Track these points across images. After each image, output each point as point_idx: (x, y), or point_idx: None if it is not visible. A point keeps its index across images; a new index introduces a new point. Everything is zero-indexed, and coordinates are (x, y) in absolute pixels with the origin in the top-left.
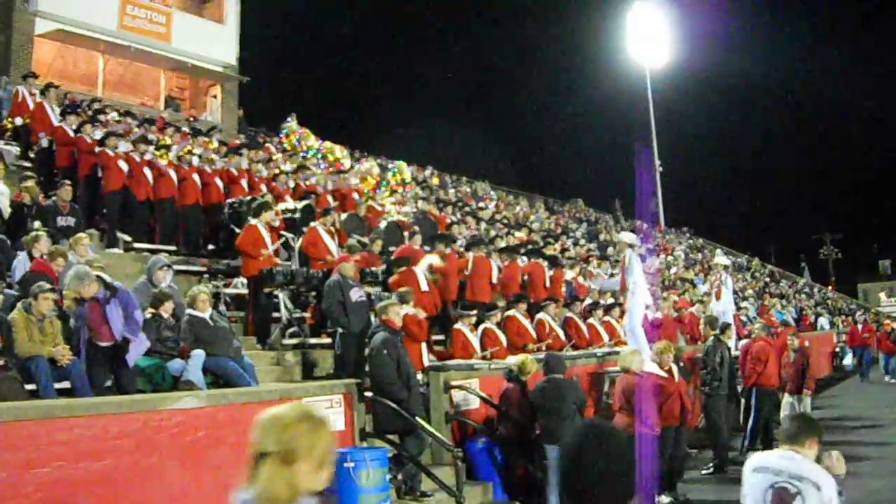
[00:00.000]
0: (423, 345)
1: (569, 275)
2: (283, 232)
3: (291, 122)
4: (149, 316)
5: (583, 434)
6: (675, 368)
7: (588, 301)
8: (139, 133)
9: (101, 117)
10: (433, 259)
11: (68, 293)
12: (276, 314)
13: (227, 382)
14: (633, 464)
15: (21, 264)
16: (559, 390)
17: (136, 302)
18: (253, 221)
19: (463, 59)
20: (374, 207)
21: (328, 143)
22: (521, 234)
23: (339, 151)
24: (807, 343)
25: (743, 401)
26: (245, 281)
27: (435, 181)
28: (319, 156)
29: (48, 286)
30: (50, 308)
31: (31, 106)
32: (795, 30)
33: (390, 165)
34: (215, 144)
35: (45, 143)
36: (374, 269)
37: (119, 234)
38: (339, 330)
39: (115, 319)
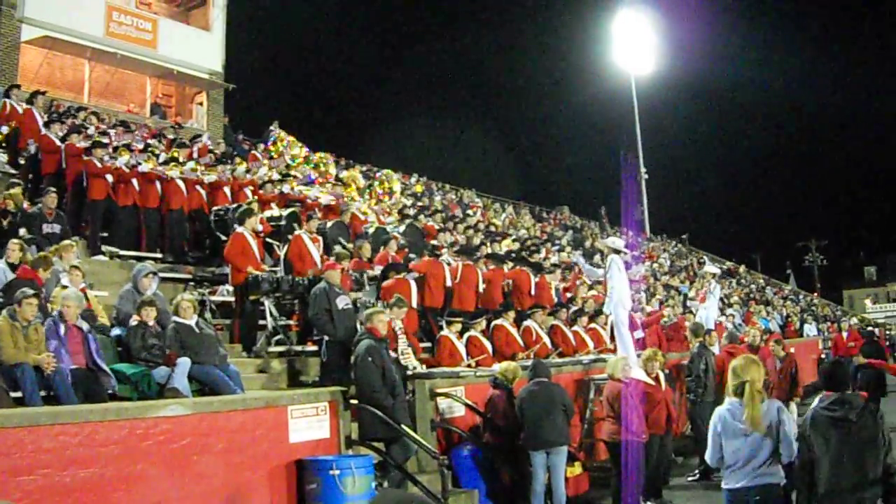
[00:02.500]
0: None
1: (553, 282)
2: (268, 239)
3: (276, 130)
4: (134, 323)
5: None
6: (661, 376)
7: (573, 308)
8: (119, 140)
9: (89, 126)
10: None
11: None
12: (262, 322)
13: (213, 390)
14: None
15: (3, 272)
16: (549, 393)
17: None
18: (238, 229)
19: (448, 68)
20: (357, 215)
21: (321, 154)
22: (506, 242)
23: (330, 162)
24: (792, 350)
25: None
26: (230, 288)
27: (419, 188)
28: (312, 165)
29: (32, 292)
30: (34, 314)
31: (21, 111)
32: (780, 39)
33: (378, 174)
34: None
35: (32, 149)
36: (367, 272)
37: (105, 247)
38: (325, 338)
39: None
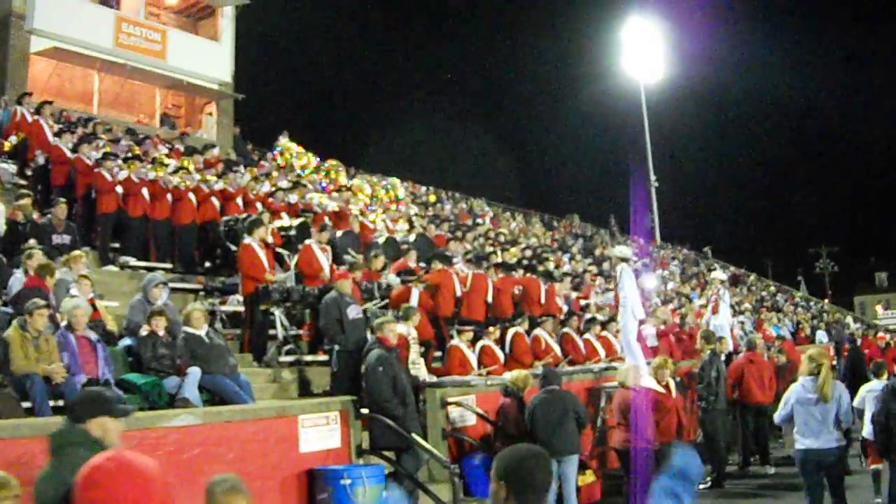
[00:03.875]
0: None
1: (563, 290)
2: (278, 249)
3: (284, 140)
4: (144, 333)
5: None
6: (672, 384)
7: (586, 317)
8: (125, 149)
9: (100, 138)
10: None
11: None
12: (272, 331)
13: (223, 400)
14: None
15: (18, 282)
16: (562, 401)
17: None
18: (247, 240)
19: (457, 76)
20: (366, 225)
21: (333, 161)
22: (515, 250)
23: (340, 170)
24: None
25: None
26: (241, 298)
27: (432, 198)
28: (322, 173)
29: (42, 302)
30: (45, 324)
31: (30, 121)
32: (790, 44)
33: (383, 182)
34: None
35: (41, 160)
36: (374, 282)
37: (123, 258)
38: (336, 347)
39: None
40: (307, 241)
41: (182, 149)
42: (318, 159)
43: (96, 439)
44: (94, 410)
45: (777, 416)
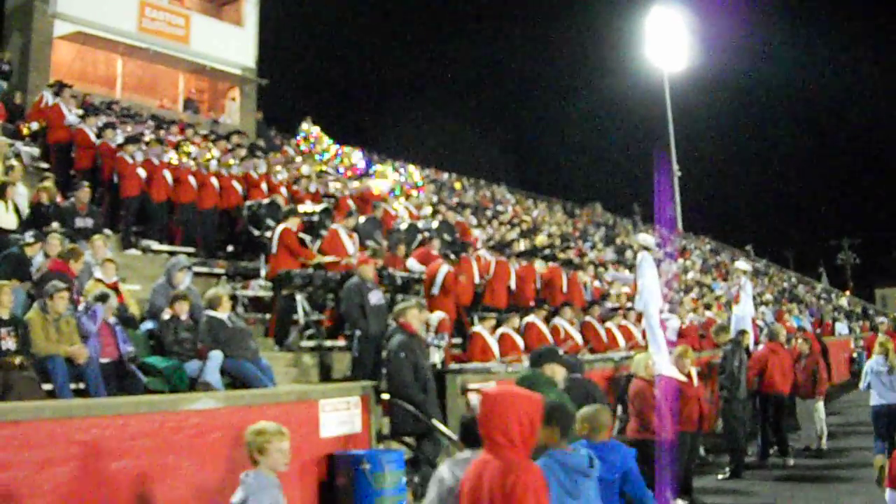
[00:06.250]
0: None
1: (585, 279)
2: (301, 234)
3: (307, 126)
4: (167, 317)
5: None
6: (694, 372)
7: (607, 305)
8: (150, 136)
9: (122, 123)
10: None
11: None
12: (295, 316)
13: (245, 384)
14: None
15: (40, 264)
16: (584, 389)
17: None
18: (285, 224)
19: (481, 63)
20: (388, 211)
21: (346, 148)
22: (538, 238)
23: (356, 156)
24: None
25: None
26: (262, 283)
27: (458, 185)
28: (337, 160)
29: (63, 285)
30: (66, 307)
31: (51, 103)
32: (814, 35)
33: (402, 169)
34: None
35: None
36: (393, 271)
37: (145, 241)
38: (357, 332)
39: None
40: (333, 226)
41: (206, 133)
42: (338, 146)
43: (549, 378)
44: (548, 359)
45: (862, 385)
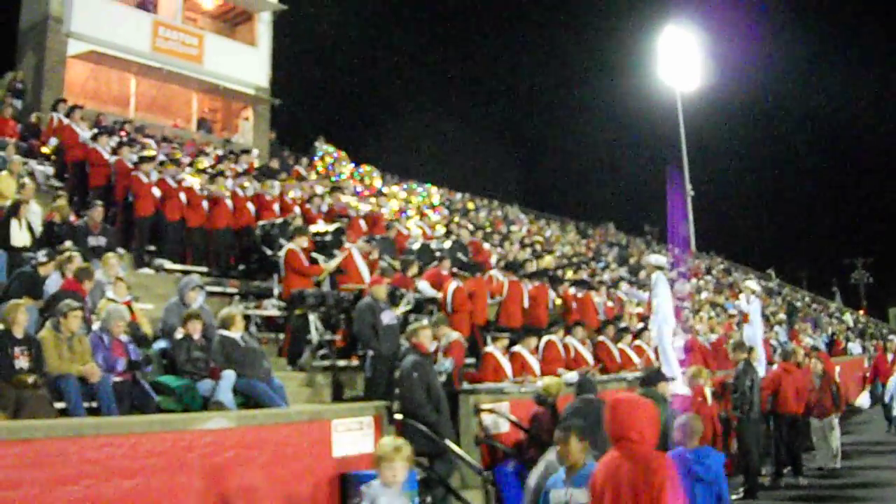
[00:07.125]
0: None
1: (598, 299)
2: (313, 254)
3: (323, 145)
4: (180, 336)
5: None
6: (707, 392)
7: (622, 325)
8: (162, 156)
9: (138, 142)
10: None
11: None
12: (308, 336)
13: (258, 403)
14: None
15: (54, 283)
16: (596, 410)
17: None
18: (291, 245)
19: (494, 83)
20: (401, 231)
21: (367, 167)
22: (550, 258)
23: (376, 175)
24: (837, 367)
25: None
26: (275, 302)
27: (471, 206)
28: (357, 178)
29: (76, 304)
30: (79, 326)
31: (66, 122)
32: (826, 54)
33: (420, 189)
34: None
35: (53, 142)
36: (404, 291)
37: (158, 261)
38: (370, 352)
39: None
40: (348, 245)
41: (220, 153)
42: (353, 165)
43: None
44: (658, 379)
45: (887, 396)
